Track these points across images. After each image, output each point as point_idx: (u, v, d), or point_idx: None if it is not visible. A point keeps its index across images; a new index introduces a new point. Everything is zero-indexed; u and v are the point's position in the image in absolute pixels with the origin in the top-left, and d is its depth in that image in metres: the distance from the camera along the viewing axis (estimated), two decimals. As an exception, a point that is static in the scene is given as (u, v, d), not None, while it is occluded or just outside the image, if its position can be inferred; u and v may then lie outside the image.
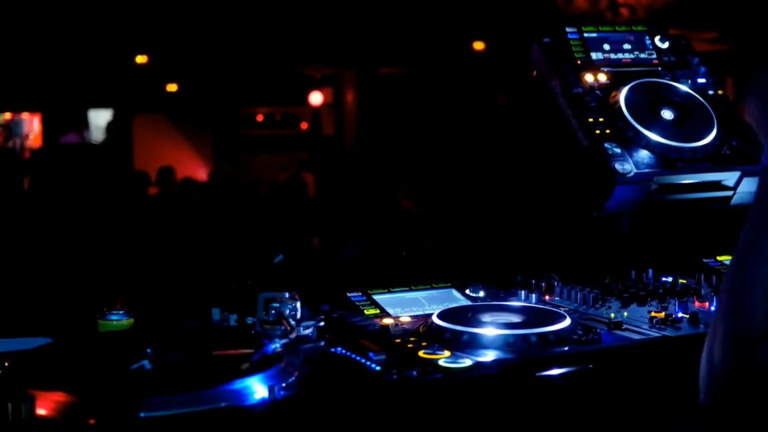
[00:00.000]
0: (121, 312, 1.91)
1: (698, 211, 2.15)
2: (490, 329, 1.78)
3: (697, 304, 2.00)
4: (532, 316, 1.87)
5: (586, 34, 2.36)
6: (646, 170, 2.08)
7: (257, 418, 1.46)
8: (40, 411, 1.42)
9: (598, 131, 2.13)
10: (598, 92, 2.23)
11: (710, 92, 2.31)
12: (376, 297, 2.10)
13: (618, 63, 2.34)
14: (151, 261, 6.36)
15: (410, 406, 1.54)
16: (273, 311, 1.80)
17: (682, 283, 2.14)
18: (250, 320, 1.92)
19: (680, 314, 1.90)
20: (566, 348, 1.74)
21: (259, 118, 16.74)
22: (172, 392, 1.46)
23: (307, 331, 1.81)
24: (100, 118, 16.22)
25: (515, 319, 1.86)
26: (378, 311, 2.03)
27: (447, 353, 1.67)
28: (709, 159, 2.16)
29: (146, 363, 1.58)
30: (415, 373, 1.58)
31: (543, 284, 2.15)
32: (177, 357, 1.66)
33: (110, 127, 16.02)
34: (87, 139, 15.68)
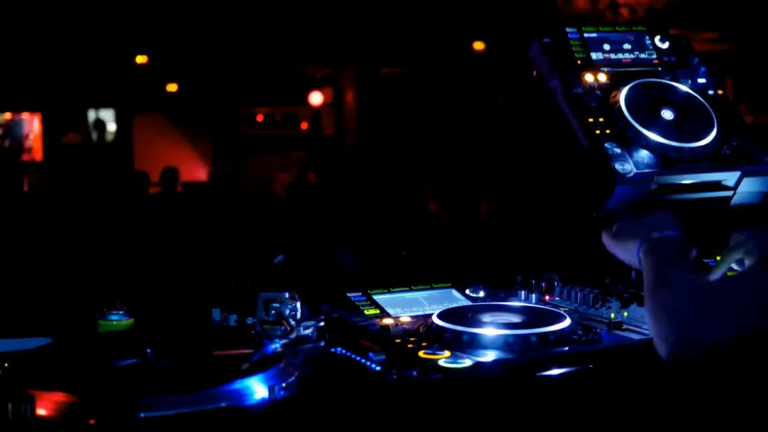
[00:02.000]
0: (121, 312, 1.91)
1: (698, 211, 2.15)
2: (490, 329, 1.77)
3: (697, 304, 1.99)
4: (532, 316, 1.87)
5: (586, 34, 2.36)
6: (646, 170, 2.08)
7: (257, 418, 1.46)
8: (40, 411, 1.42)
9: (598, 131, 2.12)
10: (598, 92, 2.22)
11: (710, 92, 2.30)
12: (376, 297, 2.10)
13: (618, 63, 2.33)
14: (151, 261, 6.35)
15: (410, 406, 1.54)
16: (273, 311, 1.80)
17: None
18: (250, 320, 1.92)
19: (680, 314, 1.89)
20: (566, 348, 1.74)
21: (259, 118, 16.74)
22: (172, 392, 1.46)
23: (307, 331, 1.81)
24: (98, 118, 16.22)
25: (515, 319, 1.86)
26: (378, 311, 2.02)
27: (447, 353, 1.67)
28: (709, 159, 2.15)
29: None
30: (415, 373, 1.58)
31: (543, 284, 2.15)
32: (177, 357, 1.66)
33: (98, 124, 15.99)
34: (86, 139, 15.67)
